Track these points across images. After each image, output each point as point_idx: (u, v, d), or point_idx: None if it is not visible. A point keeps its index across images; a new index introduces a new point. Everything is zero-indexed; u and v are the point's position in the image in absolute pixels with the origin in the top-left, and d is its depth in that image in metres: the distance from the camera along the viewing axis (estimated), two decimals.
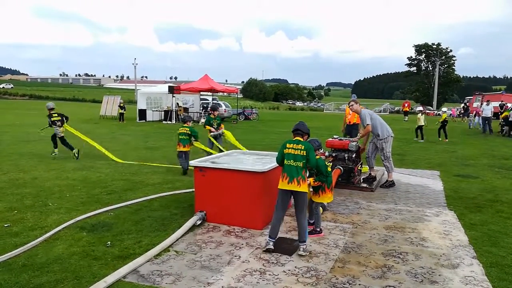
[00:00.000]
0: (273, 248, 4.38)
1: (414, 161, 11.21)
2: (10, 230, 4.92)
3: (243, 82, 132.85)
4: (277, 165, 4.61)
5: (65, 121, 10.62)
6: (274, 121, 29.72)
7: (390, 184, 7.65)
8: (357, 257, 4.33)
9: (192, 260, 4.18)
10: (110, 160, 9.83)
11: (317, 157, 4.70)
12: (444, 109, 22.94)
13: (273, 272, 3.91)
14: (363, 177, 7.95)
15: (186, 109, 27.64)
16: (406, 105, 35.94)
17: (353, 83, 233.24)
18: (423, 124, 16.98)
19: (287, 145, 4.39)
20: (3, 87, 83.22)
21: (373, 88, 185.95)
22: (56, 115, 10.56)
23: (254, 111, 33.42)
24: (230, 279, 3.75)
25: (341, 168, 7.38)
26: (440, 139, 17.00)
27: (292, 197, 4.47)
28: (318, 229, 5.04)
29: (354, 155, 7.54)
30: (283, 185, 4.33)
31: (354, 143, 7.48)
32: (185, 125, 8.82)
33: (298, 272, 3.93)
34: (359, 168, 7.79)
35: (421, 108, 19.40)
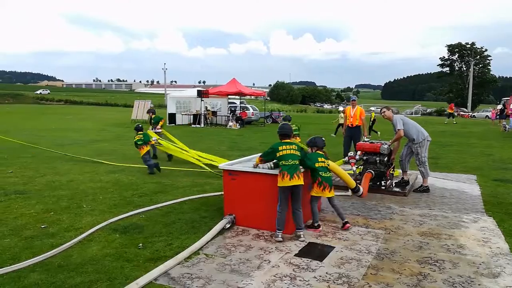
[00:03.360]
0: (282, 239, 4.79)
1: (448, 164, 10.82)
2: (46, 231, 5.09)
3: (270, 85, 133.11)
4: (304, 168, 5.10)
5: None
6: (302, 123, 29.46)
7: (424, 190, 7.39)
8: (391, 264, 4.19)
9: (222, 263, 4.17)
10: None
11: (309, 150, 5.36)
12: (372, 108, 24.75)
13: (303, 277, 3.85)
14: (395, 181, 7.73)
15: (214, 113, 27.92)
16: (451, 107, 34.54)
17: (382, 84, 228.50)
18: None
19: (279, 147, 4.89)
20: (40, 92, 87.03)
21: (404, 89, 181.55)
22: None
23: (281, 114, 33.36)
24: (260, 284, 3.71)
25: (372, 172, 7.21)
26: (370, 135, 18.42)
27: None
28: (316, 224, 5.23)
29: (386, 159, 7.34)
30: (286, 182, 4.74)
31: (386, 146, 7.29)
32: (140, 133, 9.37)
33: (330, 278, 3.84)
34: (391, 172, 7.58)
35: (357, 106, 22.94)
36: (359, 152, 7.47)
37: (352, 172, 7.53)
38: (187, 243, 4.67)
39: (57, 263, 4.10)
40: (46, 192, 7.11)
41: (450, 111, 33.90)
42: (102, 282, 3.70)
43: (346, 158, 7.53)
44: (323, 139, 5.38)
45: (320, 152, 5.28)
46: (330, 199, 5.33)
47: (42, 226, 5.24)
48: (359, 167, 7.71)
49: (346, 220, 5.32)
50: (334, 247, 4.65)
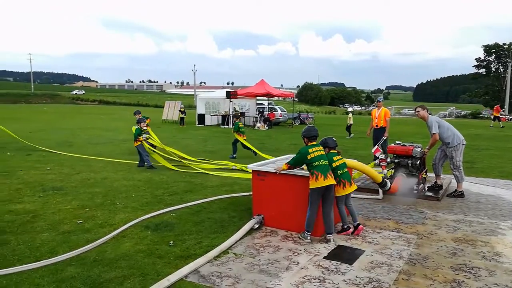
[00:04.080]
0: (310, 241, 4.82)
1: (485, 169, 10.41)
2: (82, 227, 5.28)
3: (298, 86, 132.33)
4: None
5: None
6: (330, 125, 29.18)
7: (458, 195, 7.15)
8: (423, 269, 4.09)
9: (251, 263, 4.20)
10: (172, 162, 10.19)
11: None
12: (349, 109, 24.61)
13: (332, 280, 3.82)
14: (427, 185, 7.52)
15: (242, 114, 28.05)
16: (497, 109, 32.72)
17: (414, 86, 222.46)
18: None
19: (309, 150, 4.88)
20: (76, 93, 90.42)
21: (437, 91, 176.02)
22: None
23: (309, 116, 33.13)
24: (289, 285, 3.71)
25: (404, 176, 7.06)
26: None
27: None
28: (345, 226, 5.16)
29: (418, 162, 7.16)
30: (320, 182, 4.72)
31: (418, 149, 7.12)
32: (139, 126, 10.24)
33: (360, 282, 3.79)
34: (423, 175, 7.38)
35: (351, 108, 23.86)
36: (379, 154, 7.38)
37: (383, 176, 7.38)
38: (216, 242, 4.73)
39: (92, 258, 4.26)
40: (82, 189, 7.38)
41: (495, 114, 32.07)
42: (135, 278, 3.80)
43: (377, 161, 7.40)
44: (334, 139, 5.35)
45: (334, 151, 5.26)
46: (346, 197, 5.24)
47: (78, 222, 5.45)
48: (390, 170, 7.56)
49: (358, 223, 5.25)
50: (364, 250, 4.59)
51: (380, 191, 6.93)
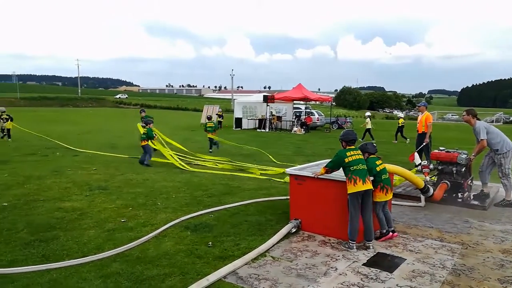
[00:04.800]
0: (356, 250, 4.69)
1: None
2: (126, 225, 5.50)
3: (336, 90, 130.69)
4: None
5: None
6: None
7: (507, 204, 6.79)
8: (468, 281, 3.93)
9: (288, 267, 4.21)
10: (211, 165, 10.38)
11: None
12: (400, 114, 24.15)
13: None
14: (473, 193, 7.20)
15: (279, 118, 28.10)
16: None
17: (459, 90, 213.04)
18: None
19: (347, 153, 4.82)
20: (119, 97, 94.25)
21: (483, 95, 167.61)
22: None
23: (348, 120, 32.60)
24: None
25: (448, 183, 6.81)
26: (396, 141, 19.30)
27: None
28: (384, 231, 5.06)
29: (463, 169, 6.88)
30: (359, 187, 4.64)
31: (464, 156, 6.83)
32: (148, 127, 11.24)
33: None
34: (469, 183, 7.07)
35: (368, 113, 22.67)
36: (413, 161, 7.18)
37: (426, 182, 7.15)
38: (254, 244, 4.78)
39: (136, 255, 4.43)
40: (125, 189, 7.69)
41: None
42: (176, 276, 3.92)
43: (419, 167, 7.18)
44: (375, 144, 5.27)
45: (374, 156, 5.17)
46: (384, 203, 5.16)
47: (122, 220, 5.68)
48: (433, 177, 7.31)
49: (393, 229, 5.15)
50: (405, 259, 4.47)
51: (422, 198, 6.71)
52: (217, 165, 10.88)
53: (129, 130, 22.22)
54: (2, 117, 17.09)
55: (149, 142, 11.02)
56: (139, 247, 4.67)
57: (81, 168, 9.87)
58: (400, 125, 19.97)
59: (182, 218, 5.76)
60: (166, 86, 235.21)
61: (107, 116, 40.34)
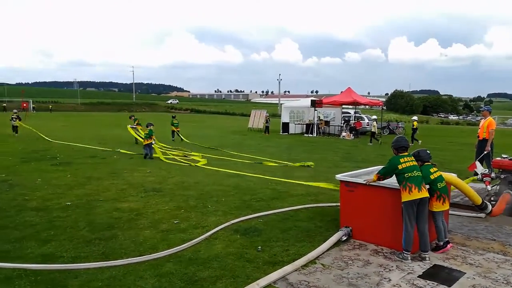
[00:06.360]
0: (410, 261, 4.51)
1: None
2: (178, 226, 5.69)
3: (387, 94, 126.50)
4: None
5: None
6: (423, 136, 27.33)
7: None
8: None
9: (339, 275, 4.13)
10: (257, 170, 10.48)
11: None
12: (414, 117, 23.44)
13: None
14: None
15: (327, 122, 27.72)
16: None
17: None
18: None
19: (401, 160, 4.66)
20: (171, 102, 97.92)
21: None
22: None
23: (400, 125, 31.41)
24: None
25: (511, 193, 6.35)
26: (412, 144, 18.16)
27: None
28: (442, 243, 4.82)
29: None
30: (415, 195, 4.47)
31: None
32: (149, 128, 13.37)
33: None
34: None
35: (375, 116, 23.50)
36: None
37: (487, 192, 6.74)
38: (303, 251, 4.75)
39: (188, 256, 4.56)
40: (177, 191, 7.95)
41: None
42: (227, 279, 3.99)
43: (479, 176, 6.77)
44: (428, 151, 5.03)
45: (429, 163, 4.95)
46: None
47: (175, 222, 5.88)
48: (494, 186, 6.86)
49: (447, 240, 4.89)
50: (465, 272, 4.22)
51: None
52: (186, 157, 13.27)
53: (187, 134, 22.93)
54: (13, 116, 21.04)
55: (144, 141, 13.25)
56: (191, 249, 4.80)
57: (136, 171, 10.34)
58: (414, 127, 20.85)
59: (232, 222, 5.85)
60: (215, 91, 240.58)
61: (159, 120, 41.72)
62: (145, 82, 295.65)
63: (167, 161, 12.38)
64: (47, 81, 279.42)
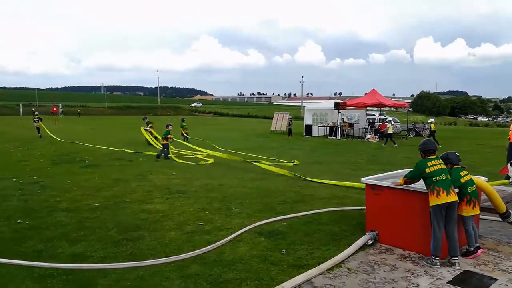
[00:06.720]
0: (439, 267, 4.38)
1: None
2: (203, 228, 5.75)
3: (412, 95, 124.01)
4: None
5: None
6: (450, 138, 26.63)
7: None
8: None
9: (365, 280, 4.07)
10: (281, 172, 10.45)
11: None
12: (431, 119, 23.18)
13: None
14: None
15: (351, 125, 27.37)
16: None
17: None
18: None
19: (428, 163, 4.57)
20: (194, 105, 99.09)
21: None
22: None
23: (426, 127, 30.65)
24: None
25: None
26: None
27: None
28: (472, 249, 4.65)
29: None
30: (443, 199, 4.37)
31: None
32: (167, 129, 14.03)
33: None
34: None
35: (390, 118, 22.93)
36: None
37: None
38: (328, 254, 4.70)
39: (213, 258, 4.60)
40: (202, 193, 8.04)
41: None
42: (251, 281, 4.00)
43: (511, 180, 6.54)
44: (457, 154, 4.88)
45: (458, 166, 4.80)
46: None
47: (200, 224, 5.95)
48: None
49: (478, 245, 4.74)
50: (497, 279, 4.08)
51: None
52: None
53: (203, 137, 23.17)
54: (34, 118, 22.79)
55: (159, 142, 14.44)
56: (215, 250, 4.84)
57: (161, 173, 10.52)
58: (432, 130, 20.77)
59: (256, 224, 5.87)
60: (238, 94, 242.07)
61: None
62: (170, 86, 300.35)
63: (179, 161, 13.06)
64: (76, 85, 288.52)
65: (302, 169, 11.37)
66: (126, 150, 15.70)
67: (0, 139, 20.34)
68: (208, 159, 13.22)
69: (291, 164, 12.45)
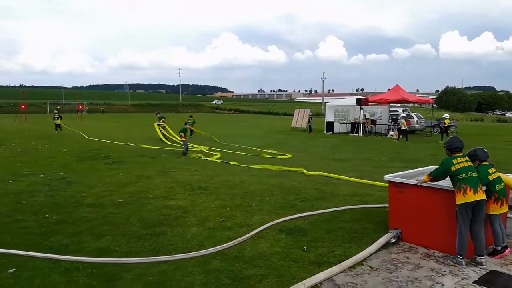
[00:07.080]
0: (465, 266, 4.30)
1: None
2: (224, 224, 5.79)
3: (437, 91, 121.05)
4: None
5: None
6: (477, 135, 25.92)
7: None
8: None
9: (388, 278, 4.01)
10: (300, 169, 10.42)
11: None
12: (445, 115, 23.12)
13: None
14: None
15: (373, 121, 26.95)
16: None
17: None
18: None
19: (454, 161, 4.46)
20: (215, 102, 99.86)
21: None
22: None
23: (452, 123, 29.90)
24: None
25: None
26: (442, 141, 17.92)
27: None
28: (500, 248, 4.52)
29: None
30: (470, 197, 4.26)
31: None
32: (185, 126, 15.07)
33: None
34: None
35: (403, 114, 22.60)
36: None
37: None
38: (350, 252, 4.66)
39: (234, 254, 4.63)
40: (223, 190, 8.09)
41: None
42: (272, 278, 4.00)
43: None
44: (485, 150, 4.73)
45: (486, 163, 4.67)
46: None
47: (221, 220, 5.99)
48: None
49: (505, 244, 4.59)
50: None
51: None
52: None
53: (225, 134, 23.30)
54: (55, 116, 24.23)
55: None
56: (237, 247, 4.87)
57: (184, 169, 10.65)
58: (446, 125, 20.79)
59: (277, 221, 5.86)
60: (258, 91, 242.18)
61: (204, 121, 42.70)
62: (191, 83, 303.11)
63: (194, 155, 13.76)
64: (100, 84, 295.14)
65: (324, 167, 11.28)
66: (143, 146, 16.42)
67: (29, 137, 21.02)
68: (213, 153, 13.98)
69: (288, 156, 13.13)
